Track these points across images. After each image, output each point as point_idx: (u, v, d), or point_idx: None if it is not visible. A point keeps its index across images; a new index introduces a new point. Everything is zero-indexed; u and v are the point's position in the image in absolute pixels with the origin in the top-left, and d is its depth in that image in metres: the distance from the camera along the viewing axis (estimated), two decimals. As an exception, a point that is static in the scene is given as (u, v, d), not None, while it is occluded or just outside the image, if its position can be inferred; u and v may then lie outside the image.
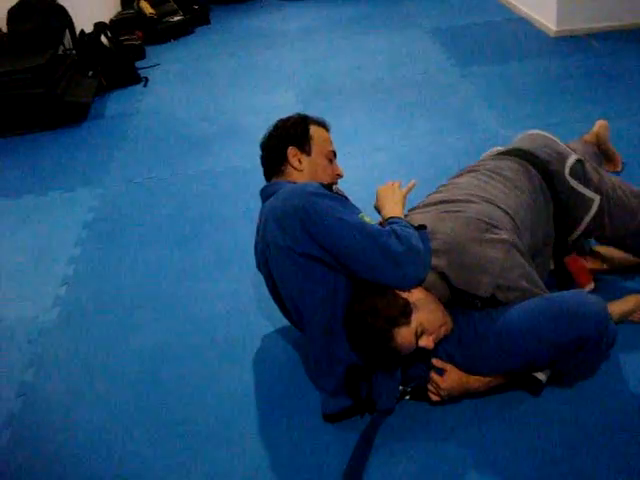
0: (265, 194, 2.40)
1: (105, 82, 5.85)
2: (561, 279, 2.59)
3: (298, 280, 2.18)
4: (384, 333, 2.06)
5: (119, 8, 7.51)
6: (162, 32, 7.20)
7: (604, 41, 5.45)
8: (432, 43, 6.03)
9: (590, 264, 2.67)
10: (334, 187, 2.38)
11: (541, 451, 2.07)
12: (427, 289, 2.16)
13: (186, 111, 5.26)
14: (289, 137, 2.44)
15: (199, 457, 2.23)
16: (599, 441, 2.07)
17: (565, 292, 2.16)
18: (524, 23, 6.22)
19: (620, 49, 5.26)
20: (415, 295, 2.11)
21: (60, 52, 5.69)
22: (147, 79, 6.09)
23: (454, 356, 2.20)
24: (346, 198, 2.32)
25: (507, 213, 2.29)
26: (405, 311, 2.07)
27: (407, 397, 2.29)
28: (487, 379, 2.21)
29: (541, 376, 2.18)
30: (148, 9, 7.21)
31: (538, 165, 2.50)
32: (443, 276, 2.16)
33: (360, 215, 2.17)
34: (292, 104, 5.06)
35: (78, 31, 5.96)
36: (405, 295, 2.10)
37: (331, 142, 2.53)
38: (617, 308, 2.42)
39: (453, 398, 2.23)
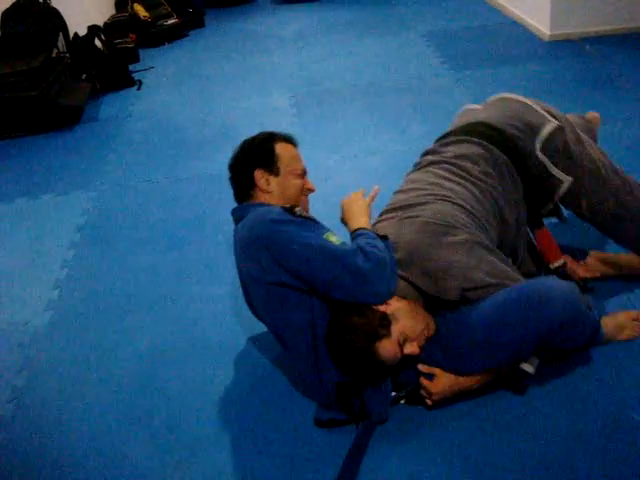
0: (236, 217, 2.40)
1: (99, 85, 5.84)
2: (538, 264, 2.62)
3: (275, 308, 2.20)
4: (367, 349, 2.06)
5: (113, 11, 7.50)
6: (156, 35, 7.19)
7: (598, 45, 5.47)
8: (426, 47, 6.03)
9: (583, 271, 2.66)
10: (297, 209, 2.28)
11: (532, 456, 2.06)
12: (402, 296, 2.15)
13: (180, 114, 5.26)
14: (255, 159, 2.40)
15: (192, 460, 2.23)
16: (595, 447, 2.07)
17: (533, 280, 2.16)
18: (518, 27, 6.23)
19: (614, 53, 5.28)
20: (392, 306, 2.10)
21: (54, 55, 5.66)
22: (141, 82, 6.08)
23: (439, 359, 2.20)
24: (312, 219, 2.28)
25: (464, 208, 2.27)
26: (384, 324, 2.06)
27: (402, 402, 2.28)
28: (476, 377, 2.20)
29: (528, 367, 2.16)
30: (142, 12, 7.20)
31: (505, 145, 2.45)
32: (413, 284, 2.16)
33: (326, 235, 2.14)
34: (286, 107, 5.07)
35: (72, 34, 5.95)
36: (383, 307, 2.09)
37: (299, 159, 2.49)
38: (609, 322, 2.40)
39: (448, 400, 2.23)
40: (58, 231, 3.76)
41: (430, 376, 2.20)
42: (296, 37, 6.90)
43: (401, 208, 2.33)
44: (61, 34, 5.91)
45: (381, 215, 2.43)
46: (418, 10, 7.27)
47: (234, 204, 3.67)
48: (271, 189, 2.37)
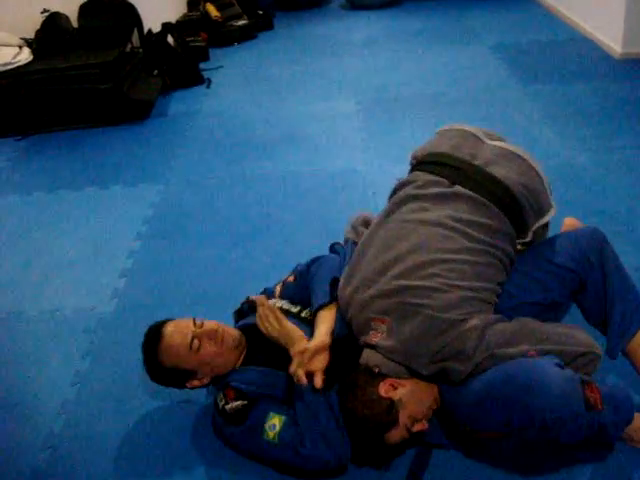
0: None
1: (169, 81, 5.95)
2: None
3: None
4: (375, 438, 2.05)
5: (185, 10, 7.63)
6: (226, 35, 7.32)
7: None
8: (495, 59, 6.01)
9: None
10: (228, 407, 2.19)
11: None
12: (406, 377, 2.12)
13: (247, 114, 5.32)
14: (176, 379, 2.31)
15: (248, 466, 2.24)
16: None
17: (528, 361, 1.94)
18: (589, 43, 6.17)
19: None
20: (398, 391, 2.07)
21: (128, 50, 5.81)
22: (210, 80, 6.17)
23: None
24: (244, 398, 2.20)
25: (471, 289, 2.10)
26: (391, 412, 2.03)
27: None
28: None
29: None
30: (214, 12, 7.32)
31: (516, 217, 2.25)
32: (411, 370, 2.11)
33: (267, 423, 2.11)
34: (353, 113, 5.09)
35: (146, 30, 6.07)
36: (390, 394, 2.06)
37: (185, 327, 2.29)
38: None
39: None
40: (126, 221, 3.83)
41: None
42: (364, 43, 6.93)
43: (400, 289, 2.12)
44: (135, 30, 6.05)
45: (374, 282, 2.19)
46: (487, 22, 7.25)
47: (298, 205, 3.76)
48: (205, 377, 2.31)
